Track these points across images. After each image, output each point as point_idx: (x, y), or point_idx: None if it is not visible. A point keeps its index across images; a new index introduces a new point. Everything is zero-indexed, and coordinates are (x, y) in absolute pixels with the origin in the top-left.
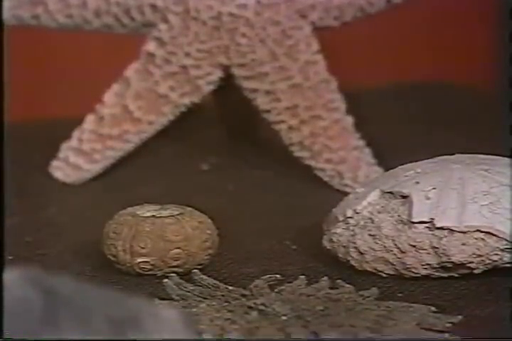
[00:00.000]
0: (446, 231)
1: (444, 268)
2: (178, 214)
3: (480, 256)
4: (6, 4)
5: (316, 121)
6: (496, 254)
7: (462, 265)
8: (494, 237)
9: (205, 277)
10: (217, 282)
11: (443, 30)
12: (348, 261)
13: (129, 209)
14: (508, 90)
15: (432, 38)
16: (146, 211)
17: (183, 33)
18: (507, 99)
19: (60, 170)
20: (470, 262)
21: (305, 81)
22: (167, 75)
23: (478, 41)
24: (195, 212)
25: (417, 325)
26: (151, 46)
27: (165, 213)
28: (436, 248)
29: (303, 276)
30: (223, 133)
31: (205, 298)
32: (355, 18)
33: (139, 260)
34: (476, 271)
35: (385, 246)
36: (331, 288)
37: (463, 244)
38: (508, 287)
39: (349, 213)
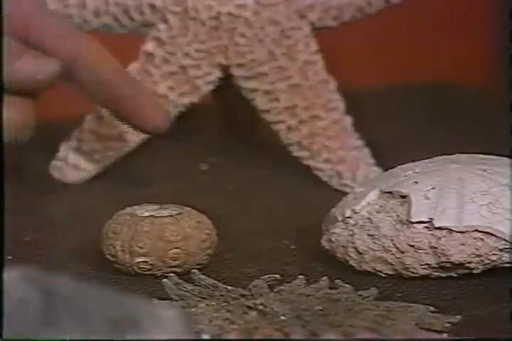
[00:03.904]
0: (445, 231)
1: (442, 268)
2: (176, 214)
3: (479, 256)
4: None
5: (315, 121)
6: (495, 254)
7: (461, 265)
8: (493, 237)
9: (204, 277)
10: (216, 282)
11: (442, 30)
12: (347, 261)
13: (128, 209)
14: (508, 90)
15: (432, 37)
16: (145, 211)
17: (182, 33)
18: (507, 98)
19: (60, 170)
20: (469, 262)
21: (304, 81)
22: (166, 75)
23: (477, 41)
24: (193, 211)
25: (416, 325)
26: (150, 46)
27: (164, 213)
28: (435, 248)
29: (302, 276)
30: (222, 134)
31: (204, 298)
32: (354, 18)
33: (138, 260)
34: (475, 271)
35: (383, 246)
36: (330, 288)
37: (462, 244)
38: (507, 287)
39: (348, 213)
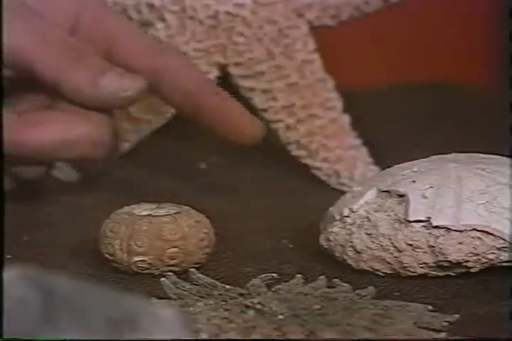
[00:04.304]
0: (442, 230)
1: (440, 267)
2: (174, 213)
3: (476, 254)
4: None
5: (312, 120)
6: (493, 253)
7: (459, 264)
8: (491, 236)
9: (202, 276)
10: (214, 281)
11: (442, 30)
12: (345, 260)
13: (126, 208)
14: (507, 90)
15: (431, 37)
16: (143, 210)
17: (179, 32)
18: (507, 98)
19: (60, 169)
20: (466, 261)
21: (301, 80)
22: None
23: (478, 41)
24: (192, 210)
25: (414, 324)
26: None
27: (162, 212)
28: (433, 247)
29: (300, 275)
30: None
31: (202, 297)
32: (352, 17)
33: (136, 259)
34: (472, 270)
35: (381, 245)
36: (328, 287)
37: (459, 243)
38: (505, 286)
39: (346, 212)
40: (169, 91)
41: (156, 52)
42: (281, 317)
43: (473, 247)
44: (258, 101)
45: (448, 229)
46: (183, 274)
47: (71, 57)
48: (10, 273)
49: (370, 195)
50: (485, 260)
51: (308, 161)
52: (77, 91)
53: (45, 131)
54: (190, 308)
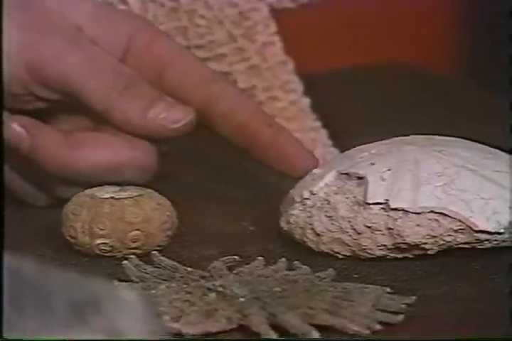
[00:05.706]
0: (400, 212)
1: (398, 249)
2: (137, 196)
3: (434, 237)
4: None
5: (273, 102)
6: (450, 235)
7: (416, 246)
8: (448, 218)
9: (164, 258)
10: (176, 263)
11: (403, 13)
12: (305, 242)
13: (88, 191)
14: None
15: (391, 20)
16: (105, 192)
17: (141, 15)
18: (469, 82)
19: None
20: (424, 243)
21: (262, 62)
22: None
23: (438, 24)
24: (154, 193)
25: (372, 306)
26: None
27: (124, 194)
28: (391, 229)
29: (261, 258)
30: None
31: (164, 280)
32: (312, 0)
33: (98, 241)
34: (430, 252)
35: (341, 228)
36: (289, 270)
37: (417, 225)
38: (462, 267)
39: (306, 194)
40: (221, 122)
41: (208, 80)
42: (242, 299)
43: (431, 229)
44: None
45: (406, 212)
46: (145, 257)
47: (121, 87)
48: None
49: (330, 177)
50: (442, 242)
51: None
52: (125, 121)
53: (93, 153)
54: (152, 291)
